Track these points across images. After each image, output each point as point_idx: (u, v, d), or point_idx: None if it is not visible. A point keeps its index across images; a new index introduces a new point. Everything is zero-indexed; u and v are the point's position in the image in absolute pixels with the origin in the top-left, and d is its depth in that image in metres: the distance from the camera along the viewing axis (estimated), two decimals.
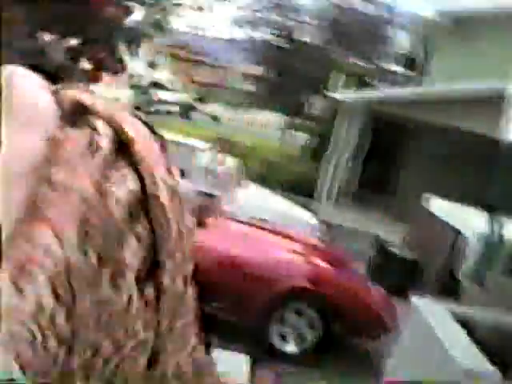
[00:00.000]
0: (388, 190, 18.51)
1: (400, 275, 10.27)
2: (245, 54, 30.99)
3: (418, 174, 16.75)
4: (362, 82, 21.92)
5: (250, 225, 8.16)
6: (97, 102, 0.61)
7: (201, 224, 7.57)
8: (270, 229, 8.09)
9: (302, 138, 26.44)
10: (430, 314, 4.67)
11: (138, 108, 29.74)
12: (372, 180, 19.61)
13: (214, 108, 33.88)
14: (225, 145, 20.03)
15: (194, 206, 8.71)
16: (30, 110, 0.58)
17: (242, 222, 8.27)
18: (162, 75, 38.01)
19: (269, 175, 19.52)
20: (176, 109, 35.33)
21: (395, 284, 10.39)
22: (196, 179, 9.22)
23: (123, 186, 0.55)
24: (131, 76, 29.34)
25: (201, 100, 39.05)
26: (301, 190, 18.19)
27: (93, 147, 0.56)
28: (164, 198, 0.56)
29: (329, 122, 18.52)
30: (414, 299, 5.12)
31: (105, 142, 0.56)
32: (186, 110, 35.98)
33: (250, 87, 31.65)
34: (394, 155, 18.89)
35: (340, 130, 17.24)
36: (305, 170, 19.84)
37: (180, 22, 27.25)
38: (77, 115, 0.59)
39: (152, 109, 32.78)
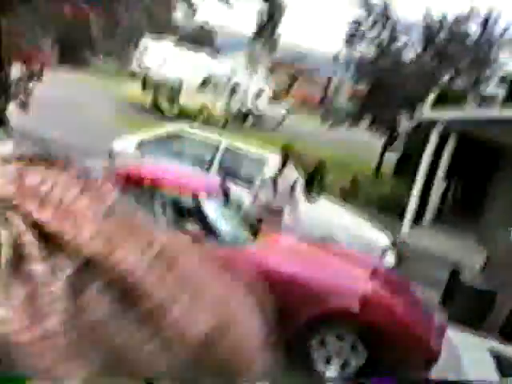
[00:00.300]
0: (476, 215, 17.81)
1: (470, 306, 9.79)
2: (347, 69, 30.69)
3: (507, 201, 16.02)
4: (459, 104, 21.29)
5: (309, 243, 7.97)
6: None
7: (257, 236, 7.44)
8: (328, 248, 7.87)
9: (394, 156, 26.01)
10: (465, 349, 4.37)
11: (235, 120, 30.22)
12: (462, 203, 18.99)
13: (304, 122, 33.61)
14: (301, 159, 19.92)
15: (256, 216, 8.62)
16: None
17: (299, 240, 8.09)
18: (261, 88, 38.16)
19: (356, 192, 19.20)
20: (270, 122, 35.45)
21: (463, 314, 9.93)
22: (261, 191, 9.10)
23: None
24: (231, 86, 29.72)
25: (289, 112, 39.06)
26: (389, 209, 17.70)
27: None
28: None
29: (420, 142, 17.99)
30: (452, 333, 4.81)
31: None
32: (278, 123, 36.05)
33: (349, 103, 31.36)
34: (485, 178, 18.22)
35: (432, 150, 16.66)
36: (394, 189, 19.31)
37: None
38: None
39: (248, 122, 33.07)
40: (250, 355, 0.85)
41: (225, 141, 10.90)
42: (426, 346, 6.22)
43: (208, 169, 10.44)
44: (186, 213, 6.69)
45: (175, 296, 0.78)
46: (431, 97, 17.18)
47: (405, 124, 20.19)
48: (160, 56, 26.14)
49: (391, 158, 26.06)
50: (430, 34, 25.33)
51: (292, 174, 9.13)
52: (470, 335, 5.04)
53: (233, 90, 29.38)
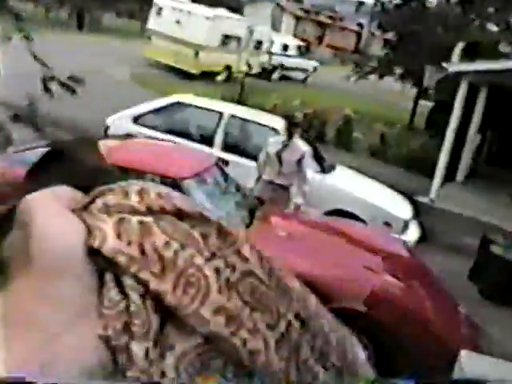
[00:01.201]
0: None
1: (499, 278, 8.95)
2: (374, 18, 29.59)
3: None
4: (495, 51, 19.97)
5: (319, 226, 7.14)
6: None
7: (266, 221, 6.69)
8: (337, 230, 7.02)
9: (425, 107, 24.80)
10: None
11: (262, 74, 29.30)
12: (497, 158, 17.91)
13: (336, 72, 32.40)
14: (323, 114, 19.00)
15: (262, 197, 7.85)
16: (56, 256, 0.58)
17: (309, 222, 7.28)
18: (288, 40, 37.00)
19: (385, 149, 18.25)
20: (299, 74, 34.41)
21: (492, 287, 9.12)
22: (264, 167, 8.30)
23: None
24: (259, 42, 28.71)
25: (320, 63, 37.93)
26: (419, 167, 16.71)
27: None
28: None
29: (451, 94, 16.85)
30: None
31: None
32: (307, 76, 34.99)
33: (379, 52, 30.32)
34: None
35: (463, 102, 15.54)
36: (426, 145, 18.23)
37: None
38: None
39: (276, 75, 32.09)
40: None
41: (230, 109, 10.06)
42: (447, 347, 5.44)
43: (210, 142, 9.64)
44: None
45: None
46: (459, 46, 16.07)
47: (432, 76, 19.08)
48: (174, 15, 25.23)
49: (427, 108, 24.92)
50: None
51: (299, 146, 8.27)
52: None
53: (256, 46, 28.27)
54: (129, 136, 7.89)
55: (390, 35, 27.31)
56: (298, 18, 60.20)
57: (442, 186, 15.10)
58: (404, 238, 9.17)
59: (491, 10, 22.47)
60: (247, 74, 22.24)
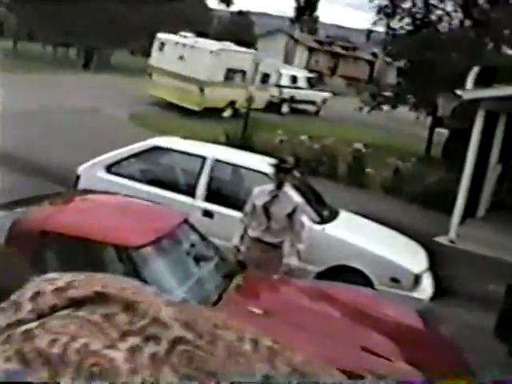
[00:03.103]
0: None
1: None
2: (386, 46, 28.75)
3: None
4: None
5: (315, 295, 5.96)
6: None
7: (242, 292, 5.56)
8: (337, 303, 5.79)
9: (442, 136, 23.64)
10: None
11: (270, 108, 28.39)
12: None
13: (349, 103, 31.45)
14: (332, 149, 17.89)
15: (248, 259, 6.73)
16: None
17: (301, 289, 6.12)
18: (297, 72, 36.07)
19: (399, 184, 17.03)
20: (310, 107, 33.44)
21: None
22: (249, 221, 7.14)
23: None
24: (266, 75, 27.83)
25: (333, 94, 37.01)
26: (437, 203, 15.46)
27: None
28: None
29: (467, 121, 15.65)
30: None
31: None
32: (318, 110, 34.00)
33: (394, 81, 29.43)
34: None
35: (481, 131, 14.33)
36: (442, 178, 16.95)
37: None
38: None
39: (286, 108, 31.13)
40: None
41: (215, 152, 8.92)
42: None
43: (193, 191, 8.50)
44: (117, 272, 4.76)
45: None
46: (473, 72, 15.02)
47: (446, 103, 18.01)
48: (177, 51, 24.41)
49: (443, 136, 23.78)
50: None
51: (291, 197, 7.11)
52: None
53: (263, 79, 27.28)
54: (87, 192, 6.82)
55: (402, 63, 26.37)
56: (311, 50, 59.73)
57: (462, 223, 13.84)
58: (415, 295, 7.95)
59: (507, 32, 21.42)
60: (253, 109, 21.31)
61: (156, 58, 25.53)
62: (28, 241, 4.73)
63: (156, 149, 8.84)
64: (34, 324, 0.67)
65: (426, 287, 8.46)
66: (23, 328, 0.66)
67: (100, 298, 0.68)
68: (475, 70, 15.29)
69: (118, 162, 8.68)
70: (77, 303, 0.68)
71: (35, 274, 0.87)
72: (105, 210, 5.64)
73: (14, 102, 17.75)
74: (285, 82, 31.52)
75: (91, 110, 20.24)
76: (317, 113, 33.76)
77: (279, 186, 6.98)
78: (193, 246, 5.81)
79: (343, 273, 7.88)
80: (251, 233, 7.01)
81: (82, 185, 8.49)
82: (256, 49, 40.70)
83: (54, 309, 0.68)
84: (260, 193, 7.06)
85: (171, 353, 0.66)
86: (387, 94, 25.86)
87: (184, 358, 0.65)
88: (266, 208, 6.90)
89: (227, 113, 24.62)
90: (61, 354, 0.63)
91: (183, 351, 0.66)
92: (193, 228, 6.09)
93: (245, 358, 0.68)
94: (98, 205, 5.84)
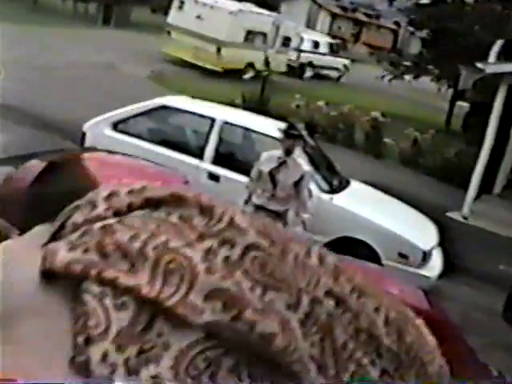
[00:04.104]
0: None
1: None
2: (410, 15, 28.20)
3: None
4: None
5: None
6: None
7: None
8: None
9: (462, 109, 23.22)
10: None
11: (292, 72, 28.02)
12: None
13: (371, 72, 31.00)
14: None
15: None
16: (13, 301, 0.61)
17: None
18: (319, 37, 35.51)
19: (416, 156, 16.71)
20: (333, 73, 32.98)
21: None
22: (255, 188, 6.91)
23: None
24: (287, 38, 27.41)
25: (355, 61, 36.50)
26: (454, 177, 15.16)
27: None
28: None
29: (489, 95, 15.28)
30: None
31: None
32: (340, 76, 33.53)
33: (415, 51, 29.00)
34: None
35: (502, 106, 13.96)
36: (461, 151, 16.61)
37: None
38: None
39: (308, 73, 30.74)
40: None
41: (224, 114, 8.65)
42: None
43: (201, 153, 8.26)
44: None
45: None
46: (497, 45, 14.61)
47: (468, 77, 17.59)
48: (196, 10, 24.00)
49: (464, 110, 23.34)
50: None
51: (299, 165, 6.86)
52: None
53: (284, 43, 26.83)
54: (88, 149, 6.61)
55: (425, 34, 25.87)
56: (333, 16, 58.88)
57: (477, 198, 13.56)
58: (423, 272, 7.73)
59: None
60: (274, 72, 20.95)
61: (174, 17, 25.12)
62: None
63: (164, 108, 8.59)
64: (112, 220, 0.67)
65: (435, 265, 8.23)
66: (102, 223, 0.67)
67: (176, 200, 0.69)
68: (499, 43, 14.91)
69: (124, 120, 8.46)
70: (153, 204, 0.69)
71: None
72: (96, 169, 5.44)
73: (33, 57, 17.59)
74: (306, 46, 31.03)
75: (109, 66, 19.97)
76: (338, 79, 33.29)
77: (288, 152, 6.73)
78: None
79: (350, 245, 7.67)
80: (256, 200, 6.79)
81: (88, 142, 8.28)
82: (279, 12, 40.11)
83: (130, 208, 0.69)
84: (268, 158, 6.82)
85: (244, 258, 0.66)
86: (407, 63, 25.43)
87: (256, 264, 0.66)
88: (272, 174, 6.67)
89: (248, 75, 24.22)
90: (141, 249, 0.63)
91: (256, 257, 0.67)
92: None
93: (311, 271, 0.69)
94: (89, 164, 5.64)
